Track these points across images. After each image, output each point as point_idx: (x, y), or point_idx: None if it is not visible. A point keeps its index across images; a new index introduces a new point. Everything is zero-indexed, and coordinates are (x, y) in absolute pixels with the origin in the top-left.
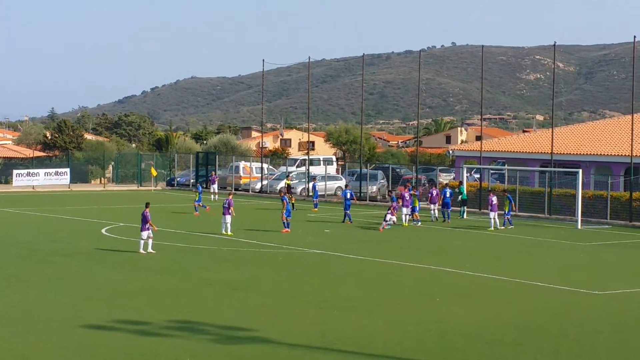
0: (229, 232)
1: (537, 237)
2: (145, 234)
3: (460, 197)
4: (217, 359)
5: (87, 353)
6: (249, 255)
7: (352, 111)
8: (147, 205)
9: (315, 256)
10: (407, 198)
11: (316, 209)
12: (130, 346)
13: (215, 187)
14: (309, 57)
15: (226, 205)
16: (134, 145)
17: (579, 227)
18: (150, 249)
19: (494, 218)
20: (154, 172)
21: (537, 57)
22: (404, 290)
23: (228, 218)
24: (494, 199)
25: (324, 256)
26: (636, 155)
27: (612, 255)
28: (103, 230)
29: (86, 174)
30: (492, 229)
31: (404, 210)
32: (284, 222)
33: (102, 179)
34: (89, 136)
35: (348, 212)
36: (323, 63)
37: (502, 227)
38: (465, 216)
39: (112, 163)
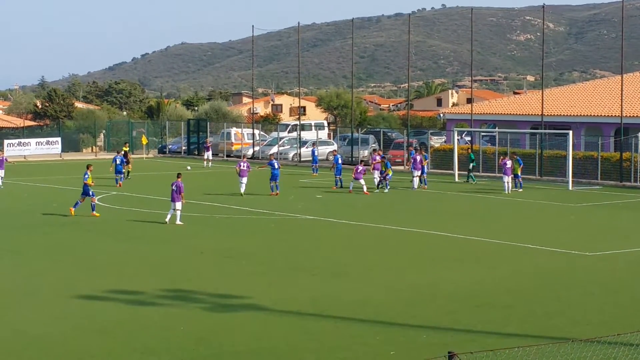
0: (243, 194)
1: (528, 199)
2: (179, 204)
3: (472, 163)
4: (210, 327)
5: (81, 323)
6: (241, 222)
7: (343, 75)
8: (178, 175)
9: (308, 222)
10: (418, 161)
11: (315, 174)
12: (124, 315)
13: (209, 154)
14: (299, 22)
15: (244, 168)
16: (125, 113)
17: (570, 188)
18: (178, 221)
19: (508, 182)
20: (144, 140)
21: (527, 17)
22: (396, 255)
23: (244, 179)
24: (508, 163)
25: (316, 222)
26: (626, 116)
27: (603, 216)
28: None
29: (77, 143)
30: (507, 192)
31: (415, 172)
32: (271, 186)
33: (94, 147)
34: (79, 104)
35: (341, 177)
36: (313, 27)
37: (520, 190)
38: (473, 181)
39: (104, 131)
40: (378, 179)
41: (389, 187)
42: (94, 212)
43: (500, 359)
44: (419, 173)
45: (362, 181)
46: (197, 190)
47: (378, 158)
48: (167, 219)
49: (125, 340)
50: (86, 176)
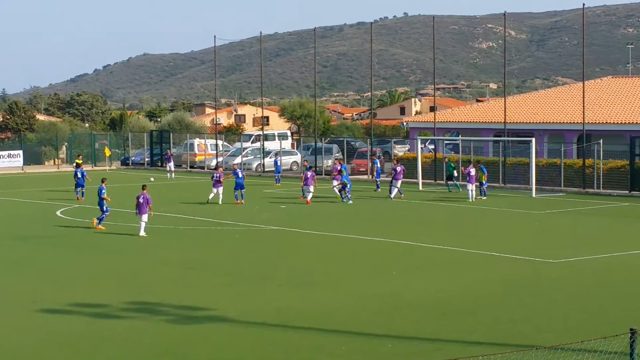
0: (220, 202)
1: (492, 206)
2: (145, 216)
3: (450, 172)
4: (175, 339)
5: (45, 337)
6: (206, 233)
7: (306, 84)
8: (143, 187)
9: (272, 233)
10: (399, 171)
11: (279, 184)
12: (88, 328)
13: (171, 165)
14: (261, 32)
15: (216, 179)
16: (87, 125)
17: (534, 195)
18: (142, 233)
19: (472, 190)
20: (107, 152)
21: (489, 25)
22: (360, 265)
23: (221, 189)
24: (472, 171)
25: (281, 232)
26: (588, 123)
27: (567, 223)
28: (58, 212)
29: (40, 156)
30: (471, 200)
31: (398, 183)
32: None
33: (56, 160)
34: (41, 117)
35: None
36: (276, 37)
37: (485, 197)
38: (453, 190)
39: (66, 144)
40: (337, 188)
41: (350, 197)
42: (100, 226)
43: None
44: (399, 184)
45: (311, 187)
46: (161, 201)
47: (339, 167)
48: (142, 232)
49: (89, 353)
50: (103, 191)
